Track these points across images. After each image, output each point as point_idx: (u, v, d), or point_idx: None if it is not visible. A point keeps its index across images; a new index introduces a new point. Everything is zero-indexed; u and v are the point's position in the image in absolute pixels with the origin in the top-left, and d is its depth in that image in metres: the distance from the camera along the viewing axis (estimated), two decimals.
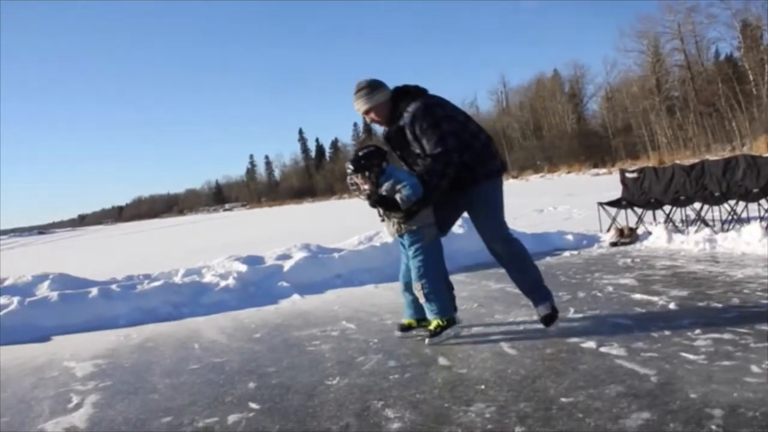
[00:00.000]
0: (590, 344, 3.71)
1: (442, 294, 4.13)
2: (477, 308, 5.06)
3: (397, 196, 3.95)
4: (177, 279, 7.05)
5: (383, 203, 4.04)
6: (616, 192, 10.00)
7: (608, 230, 8.54)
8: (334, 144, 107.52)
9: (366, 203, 4.13)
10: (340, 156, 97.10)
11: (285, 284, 6.79)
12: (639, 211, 8.79)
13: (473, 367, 3.52)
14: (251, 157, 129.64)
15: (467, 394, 3.09)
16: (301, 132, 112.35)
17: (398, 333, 4.37)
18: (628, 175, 9.50)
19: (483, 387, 3.17)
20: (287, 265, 7.13)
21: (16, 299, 6.28)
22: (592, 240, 8.32)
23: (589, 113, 64.73)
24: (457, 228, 8.24)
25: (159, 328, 5.67)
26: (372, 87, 4.17)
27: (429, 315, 4.14)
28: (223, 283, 6.73)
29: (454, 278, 6.55)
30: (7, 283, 7.05)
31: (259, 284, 6.80)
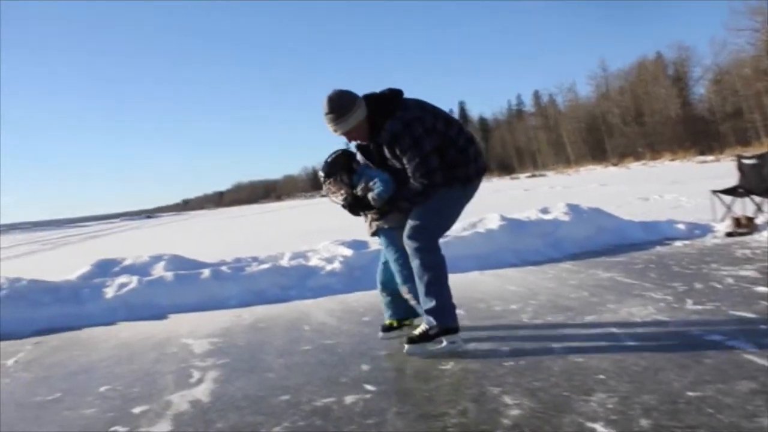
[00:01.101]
0: (714, 337, 3.55)
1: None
2: (588, 297, 4.93)
3: (369, 195, 3.95)
4: (284, 262, 7.22)
5: (358, 204, 4.03)
6: (727, 180, 9.50)
7: (723, 219, 8.13)
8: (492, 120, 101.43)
9: (344, 209, 4.11)
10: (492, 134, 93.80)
11: None
12: (758, 199, 8.32)
13: (590, 356, 3.44)
14: None
15: (586, 384, 3.02)
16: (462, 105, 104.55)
17: (380, 334, 4.32)
18: (745, 161, 8.97)
19: (602, 377, 3.09)
20: None
21: (135, 278, 6.61)
22: (705, 230, 7.95)
23: (695, 97, 61.83)
24: (563, 215, 8.08)
25: (269, 310, 5.83)
26: (345, 106, 3.82)
27: (421, 314, 3.99)
28: (329, 267, 6.84)
29: (561, 266, 6.47)
30: (126, 263, 7.43)
31: (365, 268, 6.86)
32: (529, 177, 60.13)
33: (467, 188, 3.97)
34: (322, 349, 4.21)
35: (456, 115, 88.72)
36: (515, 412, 2.77)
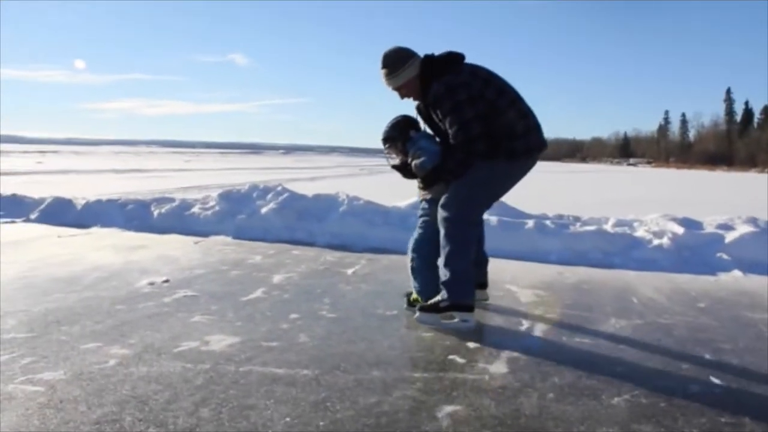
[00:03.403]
0: None
1: (427, 275, 3.99)
2: None
3: (413, 163, 3.93)
4: (608, 227, 6.95)
5: (402, 170, 4.08)
6: None
7: None
8: (766, 110, 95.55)
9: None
10: None
11: (725, 257, 6.23)
12: None
13: None
14: (666, 113, 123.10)
15: None
16: (728, 92, 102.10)
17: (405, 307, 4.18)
18: None
19: None
20: (730, 236, 6.52)
21: None
22: None
23: None
24: None
25: (591, 273, 5.67)
26: (398, 63, 3.85)
27: (413, 289, 4.08)
28: (656, 242, 6.44)
29: None
30: None
31: (695, 250, 6.34)
32: None
33: (513, 164, 3.80)
34: (656, 327, 3.96)
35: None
36: None
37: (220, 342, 3.34)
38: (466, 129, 3.63)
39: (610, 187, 25.08)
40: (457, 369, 3.06)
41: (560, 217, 7.49)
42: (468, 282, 3.81)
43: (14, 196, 9.36)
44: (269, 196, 7.79)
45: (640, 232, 6.77)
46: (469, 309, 3.78)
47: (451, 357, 3.22)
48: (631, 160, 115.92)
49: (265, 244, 6.76)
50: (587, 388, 2.86)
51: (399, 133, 4.09)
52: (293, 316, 3.92)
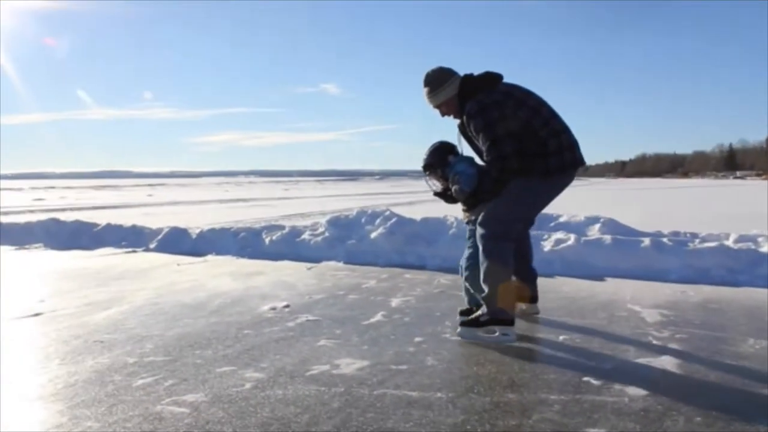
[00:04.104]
0: None
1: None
2: None
3: (453, 188, 4.02)
4: (730, 243, 6.64)
5: (443, 196, 4.19)
6: None
7: None
8: None
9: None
10: None
11: None
12: None
13: None
14: None
15: None
16: None
17: (458, 317, 4.22)
18: None
19: None
20: None
21: (572, 236, 6.72)
22: None
23: None
24: None
25: (717, 291, 5.42)
26: (438, 81, 4.02)
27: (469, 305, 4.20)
28: None
29: None
30: (561, 219, 7.60)
31: None
32: None
33: (547, 181, 3.86)
34: None
35: None
36: None
37: (350, 365, 3.38)
38: (497, 146, 3.74)
39: (721, 201, 23.99)
40: (593, 391, 2.97)
41: (676, 233, 7.22)
42: (507, 296, 3.87)
43: (134, 226, 9.89)
44: (378, 220, 7.88)
45: (765, 248, 6.42)
46: (509, 323, 3.84)
47: (585, 379, 3.14)
48: (738, 173, 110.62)
49: (377, 268, 6.84)
50: (735, 412, 2.72)
51: (438, 160, 4.18)
52: (417, 339, 3.93)
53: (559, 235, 6.87)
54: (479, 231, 3.90)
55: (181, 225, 9.64)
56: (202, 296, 5.36)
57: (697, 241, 6.71)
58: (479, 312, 3.94)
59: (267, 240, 8.20)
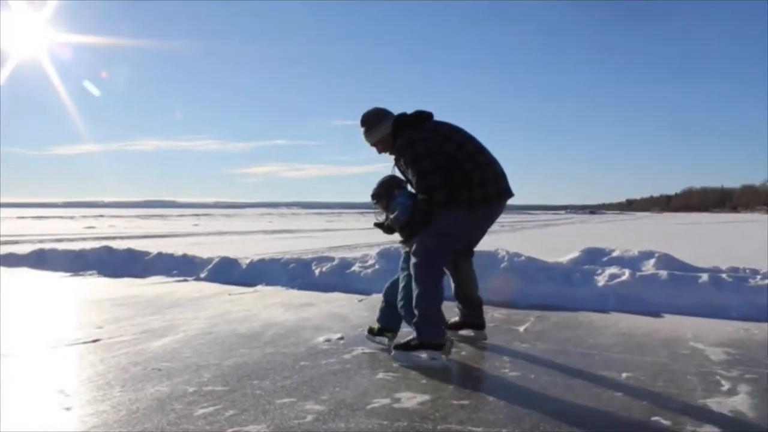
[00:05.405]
0: None
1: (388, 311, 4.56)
2: None
3: (390, 218, 4.25)
4: None
5: (382, 227, 4.39)
6: None
7: None
8: None
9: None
10: None
11: None
12: None
13: None
14: None
15: None
16: None
17: (366, 333, 4.71)
18: None
19: None
20: None
21: (627, 271, 6.59)
22: None
23: None
24: None
25: None
26: (373, 121, 4.37)
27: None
28: None
29: None
30: (615, 254, 7.47)
31: None
32: None
33: (472, 212, 4.09)
34: None
35: None
36: None
37: (410, 399, 3.34)
38: (425, 179, 4.01)
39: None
40: (664, 430, 2.89)
41: (735, 269, 7.02)
42: (436, 323, 4.06)
43: (185, 255, 10.02)
44: None
45: None
46: (438, 347, 4.01)
47: (654, 418, 3.04)
48: None
49: None
50: None
51: (384, 192, 4.41)
52: (476, 374, 3.88)
53: (613, 269, 6.76)
54: (412, 260, 4.13)
55: (231, 255, 9.74)
56: (256, 326, 5.38)
57: (758, 277, 6.51)
58: (410, 337, 4.16)
59: (317, 271, 8.22)
